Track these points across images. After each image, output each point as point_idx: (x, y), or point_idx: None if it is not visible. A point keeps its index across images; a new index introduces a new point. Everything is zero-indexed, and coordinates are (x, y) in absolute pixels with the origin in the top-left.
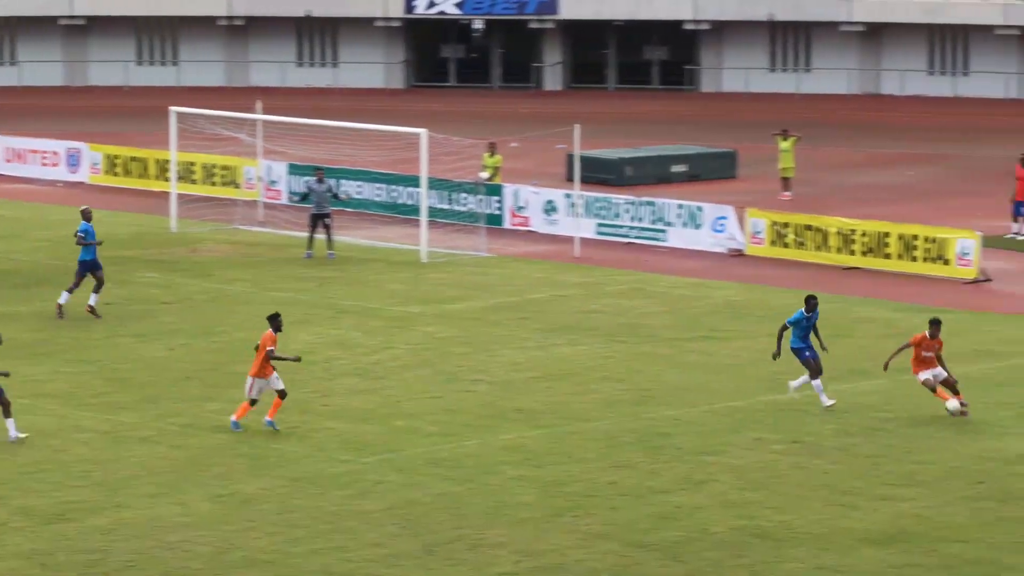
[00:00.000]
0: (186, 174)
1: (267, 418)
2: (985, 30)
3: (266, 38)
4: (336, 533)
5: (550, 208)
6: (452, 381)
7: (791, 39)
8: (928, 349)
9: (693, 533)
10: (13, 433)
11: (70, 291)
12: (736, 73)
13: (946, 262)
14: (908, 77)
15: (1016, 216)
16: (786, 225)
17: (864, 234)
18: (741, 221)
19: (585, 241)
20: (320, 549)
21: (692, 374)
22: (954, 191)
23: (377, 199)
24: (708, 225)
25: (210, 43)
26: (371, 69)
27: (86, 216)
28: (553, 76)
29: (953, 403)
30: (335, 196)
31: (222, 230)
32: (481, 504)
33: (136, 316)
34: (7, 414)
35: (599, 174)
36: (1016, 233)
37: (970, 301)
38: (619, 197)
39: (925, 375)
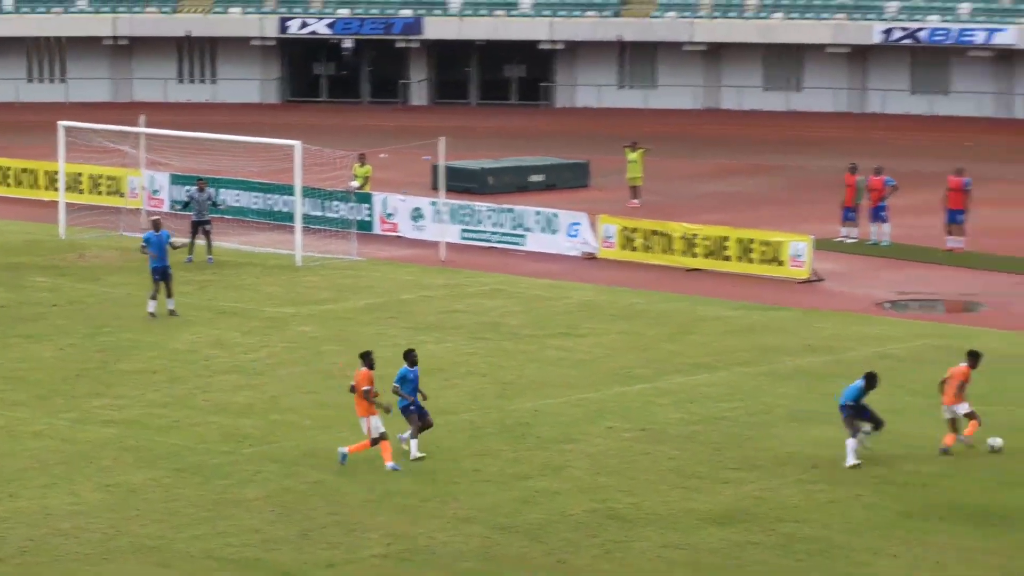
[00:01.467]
0: (74, 184)
1: (388, 463)
2: (817, 48)
3: (149, 57)
4: (218, 520)
5: (417, 215)
6: (326, 378)
7: (638, 58)
8: (968, 381)
9: (552, 516)
10: None
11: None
12: (588, 90)
13: (781, 263)
14: (745, 93)
15: (845, 221)
16: (635, 230)
17: (706, 238)
18: (594, 227)
19: (450, 246)
20: (202, 535)
21: (550, 369)
22: (788, 198)
23: (254, 207)
24: (563, 230)
25: (96, 62)
26: (248, 85)
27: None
28: (419, 92)
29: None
30: (214, 204)
31: (108, 237)
32: (354, 492)
33: (28, 318)
34: None
35: (463, 183)
36: (845, 237)
37: (803, 300)
38: (481, 204)
39: (963, 407)
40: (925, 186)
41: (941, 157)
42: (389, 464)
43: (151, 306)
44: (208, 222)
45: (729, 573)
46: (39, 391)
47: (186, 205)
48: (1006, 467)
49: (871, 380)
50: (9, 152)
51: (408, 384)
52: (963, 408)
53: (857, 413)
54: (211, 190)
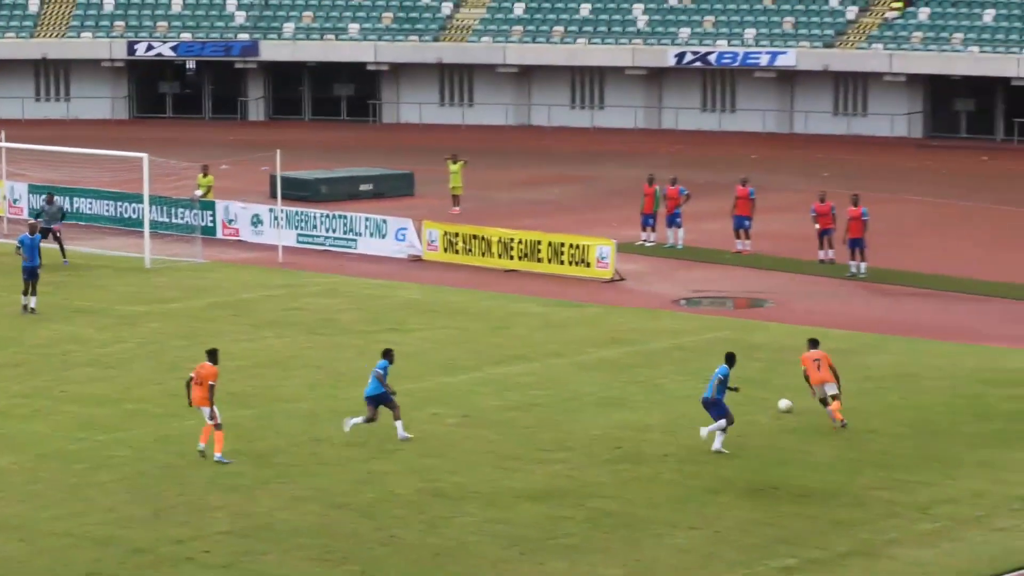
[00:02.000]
0: None
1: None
2: (618, 71)
3: (8, 77)
4: (76, 501)
5: (257, 221)
6: (174, 370)
7: (457, 79)
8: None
9: (383, 495)
10: None
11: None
12: (412, 107)
13: (588, 265)
14: (554, 111)
15: (644, 226)
16: (456, 235)
17: (521, 242)
18: (419, 232)
19: (287, 249)
20: (62, 515)
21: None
22: (593, 205)
23: (106, 214)
24: (391, 235)
25: None
26: (99, 103)
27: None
28: (256, 109)
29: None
30: (64, 214)
31: None
32: (201, 474)
33: None
34: None
35: (298, 192)
36: (644, 240)
37: (607, 297)
38: (316, 211)
39: (832, 387)
40: (715, 195)
41: (729, 169)
42: (218, 455)
43: (24, 299)
44: (58, 229)
45: (544, 544)
46: None
47: (38, 215)
48: (784, 448)
49: (731, 360)
50: None
51: (385, 377)
52: (832, 388)
53: (716, 407)
54: (59, 201)
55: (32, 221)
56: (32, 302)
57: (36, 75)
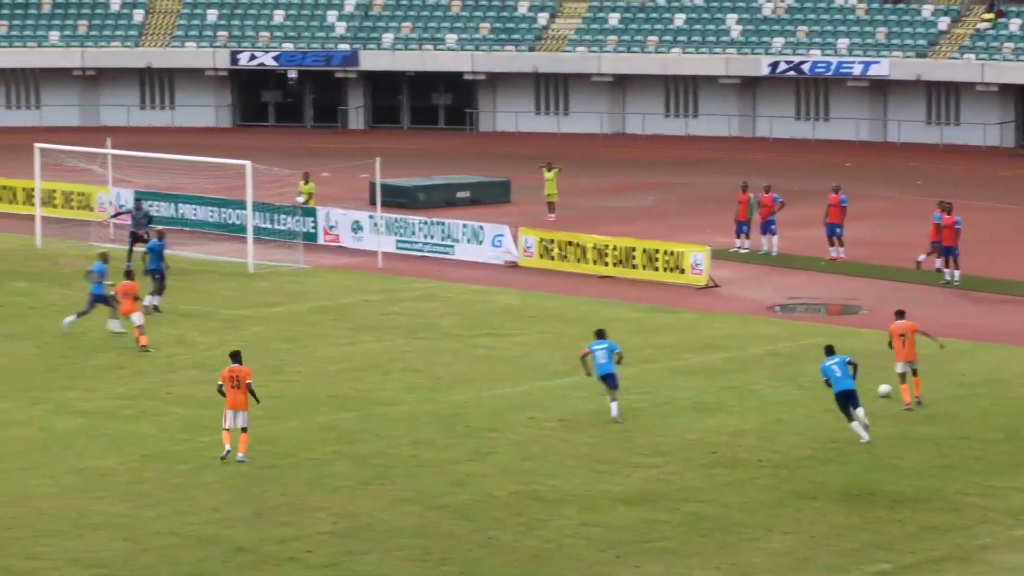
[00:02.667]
0: (48, 200)
1: None
2: (711, 80)
3: (114, 86)
4: (180, 500)
5: (357, 227)
6: (276, 372)
7: (552, 88)
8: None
9: (480, 496)
10: None
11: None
12: (508, 116)
13: (682, 271)
14: (648, 119)
15: (738, 234)
16: (552, 241)
17: (615, 248)
18: (515, 238)
19: (386, 255)
20: (166, 513)
21: (477, 365)
22: (687, 212)
23: (210, 220)
24: (488, 241)
25: (67, 91)
26: (203, 111)
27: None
28: (356, 117)
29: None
30: (149, 219)
31: (79, 246)
32: (302, 475)
33: (9, 319)
34: None
35: (397, 199)
36: (738, 248)
37: (702, 303)
38: (414, 218)
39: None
40: (808, 202)
41: (822, 177)
42: (240, 455)
43: (113, 325)
44: (144, 235)
45: (640, 548)
46: (19, 384)
47: (118, 215)
48: (877, 454)
49: (832, 349)
50: None
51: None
52: (911, 365)
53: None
54: (147, 207)
55: (102, 251)
56: (156, 300)
57: (141, 83)
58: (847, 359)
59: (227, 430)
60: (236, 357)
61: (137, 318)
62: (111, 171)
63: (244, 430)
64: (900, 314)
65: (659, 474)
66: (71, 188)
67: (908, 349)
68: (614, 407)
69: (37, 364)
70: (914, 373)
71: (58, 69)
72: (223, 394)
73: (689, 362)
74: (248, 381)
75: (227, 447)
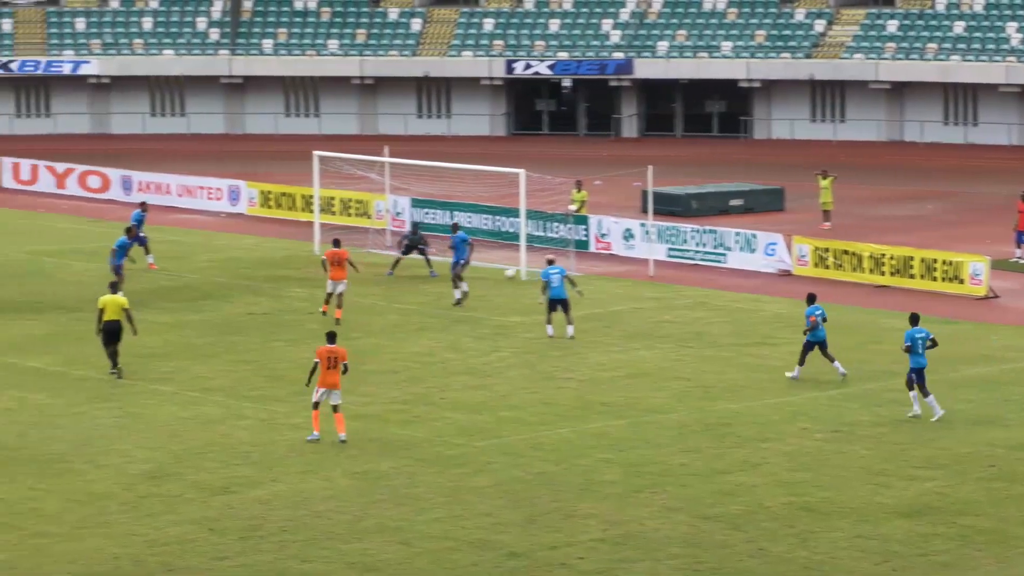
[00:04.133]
0: (326, 207)
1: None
2: (991, 88)
3: (392, 94)
4: (453, 504)
5: (628, 235)
6: (548, 379)
7: (828, 95)
8: None
9: (751, 507)
10: None
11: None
12: (783, 123)
13: (961, 281)
14: (927, 127)
15: (1019, 243)
16: (827, 250)
17: (892, 258)
18: (789, 246)
19: (658, 263)
20: (440, 518)
21: (749, 374)
22: (965, 221)
23: (484, 227)
24: (761, 250)
25: (345, 99)
26: (478, 120)
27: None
28: (629, 126)
29: None
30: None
31: (356, 253)
32: (573, 482)
33: (287, 324)
34: None
35: (669, 207)
36: (1019, 258)
37: (981, 314)
38: (686, 226)
39: None
40: None
41: None
42: (342, 435)
43: (458, 289)
44: (424, 242)
45: (915, 561)
46: (296, 388)
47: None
48: None
49: (915, 318)
50: (269, 178)
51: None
52: None
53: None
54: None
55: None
56: (461, 288)
57: (419, 92)
58: (930, 335)
59: (317, 408)
60: (332, 338)
61: (342, 286)
62: (388, 179)
63: (336, 408)
64: None
65: (935, 487)
66: (349, 195)
67: None
68: (570, 329)
69: None
70: None
71: (337, 78)
72: (313, 372)
73: (966, 374)
74: (344, 362)
75: (316, 432)
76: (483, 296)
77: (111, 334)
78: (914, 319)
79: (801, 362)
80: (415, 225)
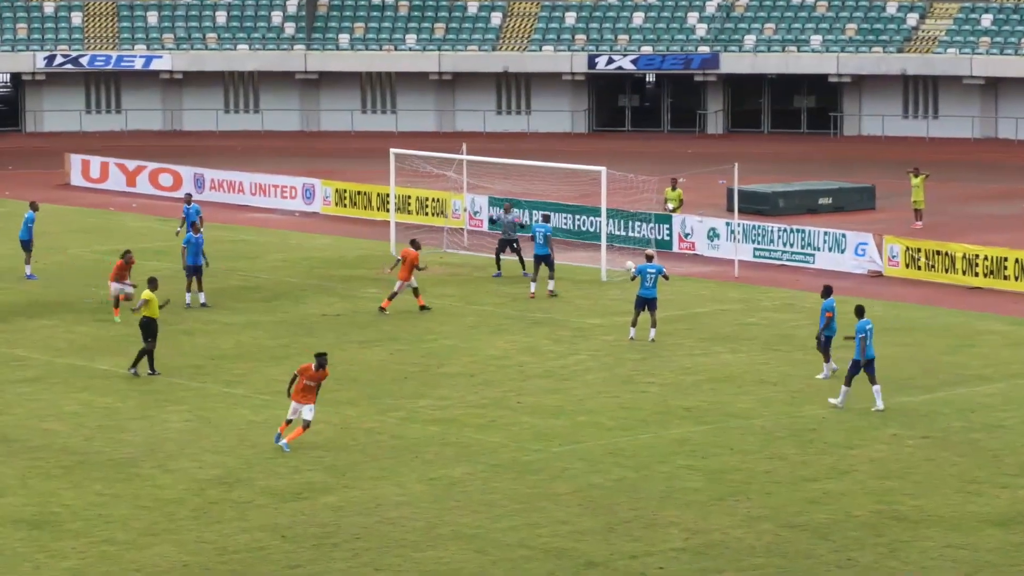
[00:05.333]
0: (403, 205)
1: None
2: None
3: (470, 90)
4: (530, 511)
5: (713, 235)
6: (628, 383)
7: (921, 90)
8: None
9: (838, 515)
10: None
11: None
12: (874, 119)
13: None
14: (1022, 124)
15: None
16: (919, 250)
17: (986, 258)
18: (880, 246)
19: (743, 263)
20: (516, 525)
21: (836, 379)
22: None
23: (564, 227)
24: (851, 250)
25: (422, 95)
26: (559, 116)
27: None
28: (715, 122)
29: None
30: (521, 226)
31: (433, 253)
32: (654, 489)
33: (360, 325)
34: None
35: (755, 205)
36: None
37: None
38: (773, 225)
39: None
40: None
41: None
42: (283, 442)
43: (632, 332)
44: (515, 241)
45: (1008, 571)
46: (370, 391)
47: (492, 223)
48: None
49: (860, 310)
50: (344, 176)
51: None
52: None
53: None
54: (516, 212)
55: (491, 219)
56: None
57: (498, 88)
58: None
59: (288, 422)
60: (323, 361)
61: (406, 286)
62: (466, 177)
63: (307, 425)
64: None
65: None
66: (426, 194)
67: None
68: (652, 332)
69: (388, 371)
70: None
71: (415, 73)
72: (292, 383)
73: None
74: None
75: (280, 434)
76: (563, 298)
77: (147, 328)
78: (859, 311)
79: (827, 359)
80: (512, 223)
